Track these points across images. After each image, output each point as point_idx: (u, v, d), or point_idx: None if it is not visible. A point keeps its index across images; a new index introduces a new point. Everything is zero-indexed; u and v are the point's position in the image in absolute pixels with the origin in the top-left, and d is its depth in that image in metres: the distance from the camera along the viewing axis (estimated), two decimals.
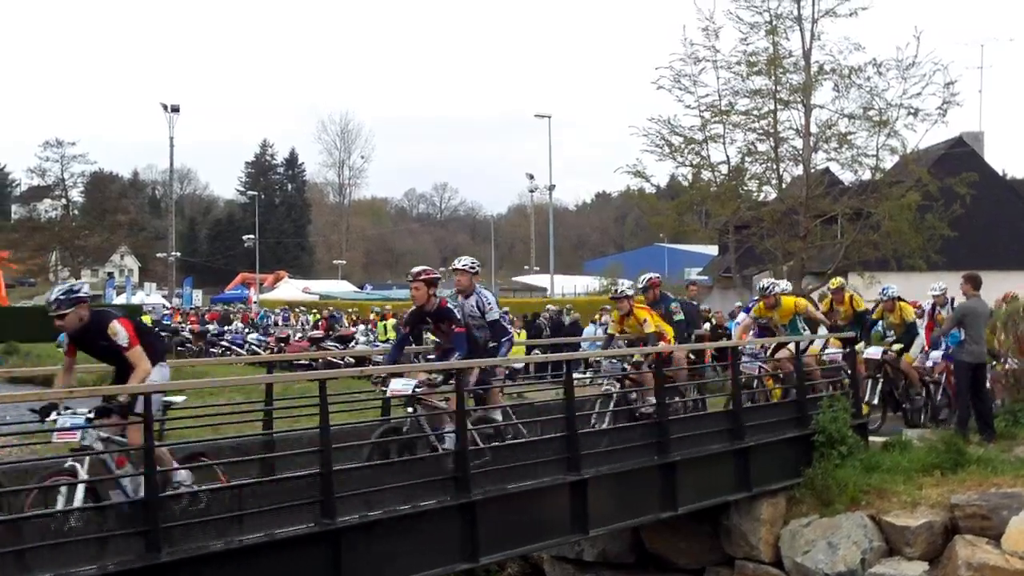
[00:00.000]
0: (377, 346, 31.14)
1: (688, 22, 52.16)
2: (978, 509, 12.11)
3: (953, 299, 16.99)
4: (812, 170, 27.34)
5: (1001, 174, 49.40)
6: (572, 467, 10.96)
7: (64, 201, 63.96)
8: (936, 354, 16.41)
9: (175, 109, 61.94)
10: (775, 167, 27.27)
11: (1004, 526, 11.80)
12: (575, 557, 14.49)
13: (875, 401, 15.71)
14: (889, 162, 27.33)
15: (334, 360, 24.27)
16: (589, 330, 27.19)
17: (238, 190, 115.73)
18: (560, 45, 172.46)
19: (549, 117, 57.74)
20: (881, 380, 15.78)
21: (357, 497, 9.14)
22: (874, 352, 15.97)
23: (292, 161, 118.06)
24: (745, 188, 28.11)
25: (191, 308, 56.01)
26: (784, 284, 16.26)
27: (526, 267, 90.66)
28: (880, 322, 17.03)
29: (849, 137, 26.53)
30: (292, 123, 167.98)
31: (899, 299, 16.41)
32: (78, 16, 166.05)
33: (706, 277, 48.57)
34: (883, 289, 16.57)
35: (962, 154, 35.84)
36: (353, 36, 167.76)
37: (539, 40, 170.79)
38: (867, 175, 27.14)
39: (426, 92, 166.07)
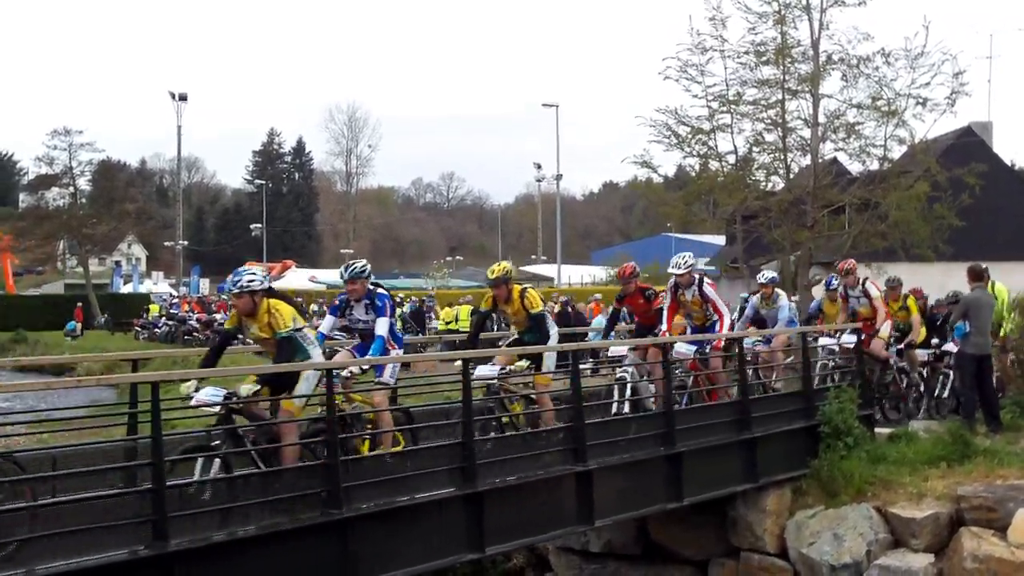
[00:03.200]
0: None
1: (695, 12, 52.13)
2: (984, 501, 12.09)
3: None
4: (820, 160, 27.26)
5: (1010, 164, 49.21)
6: (578, 458, 10.98)
7: (72, 189, 63.94)
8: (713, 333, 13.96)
9: (183, 98, 62.02)
10: (783, 157, 27.18)
11: (1010, 518, 11.78)
12: (581, 548, 14.51)
13: None
14: (897, 152, 27.25)
15: (341, 349, 24.26)
16: (598, 320, 27.21)
17: (245, 179, 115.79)
18: (568, 37, 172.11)
19: (556, 106, 57.86)
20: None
21: (363, 487, 9.16)
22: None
23: (299, 150, 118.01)
24: (753, 178, 28.03)
25: (195, 296, 56.00)
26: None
27: (533, 256, 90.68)
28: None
29: (857, 127, 26.43)
30: (299, 113, 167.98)
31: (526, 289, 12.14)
32: (86, 5, 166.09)
33: (714, 267, 48.49)
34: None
35: (971, 144, 35.72)
36: (360, 29, 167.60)
37: (547, 32, 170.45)
38: (875, 165, 27.06)
39: (433, 86, 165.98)
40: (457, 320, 28.89)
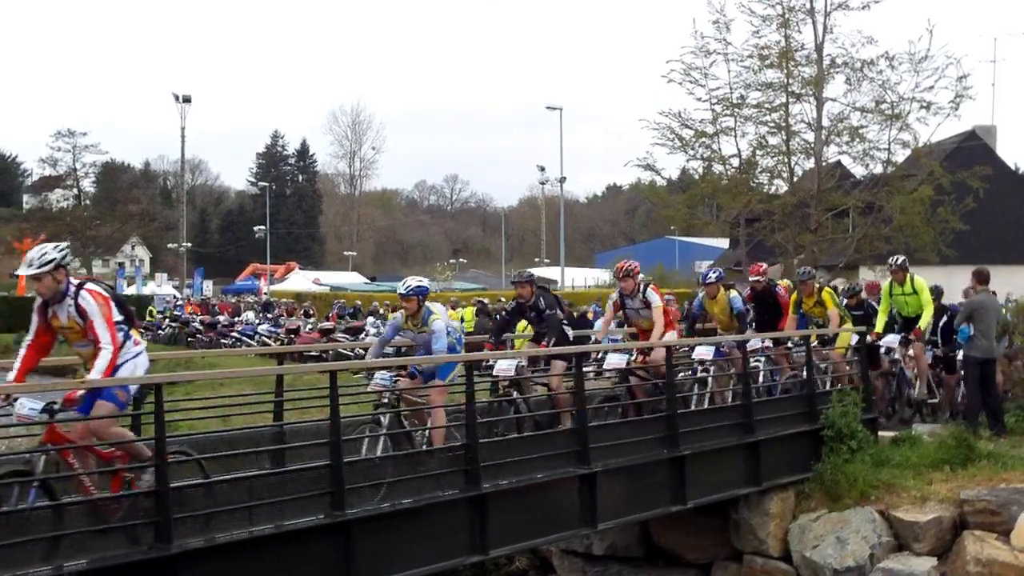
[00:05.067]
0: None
1: (699, 15, 52.21)
2: (987, 504, 12.08)
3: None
4: (824, 163, 27.33)
5: (1013, 168, 49.27)
6: (582, 460, 10.98)
7: (75, 191, 64.28)
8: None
9: (187, 100, 62.05)
10: (786, 160, 27.29)
11: (1013, 522, 11.77)
12: (584, 551, 14.51)
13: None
14: (901, 156, 27.34)
15: (344, 352, 24.29)
16: (600, 323, 27.12)
17: (249, 181, 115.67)
18: (572, 39, 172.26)
19: (560, 109, 57.90)
20: None
21: (368, 489, 9.17)
22: None
23: (303, 152, 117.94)
24: (756, 181, 28.14)
25: (198, 298, 56.03)
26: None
27: (536, 259, 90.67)
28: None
29: (861, 130, 26.53)
30: (303, 115, 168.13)
31: None
32: (90, 5, 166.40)
33: (718, 270, 48.47)
34: None
35: (974, 148, 35.75)
36: (364, 29, 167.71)
37: (550, 34, 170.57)
38: (879, 168, 27.16)
39: (437, 86, 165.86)
40: (463, 322, 28.87)
